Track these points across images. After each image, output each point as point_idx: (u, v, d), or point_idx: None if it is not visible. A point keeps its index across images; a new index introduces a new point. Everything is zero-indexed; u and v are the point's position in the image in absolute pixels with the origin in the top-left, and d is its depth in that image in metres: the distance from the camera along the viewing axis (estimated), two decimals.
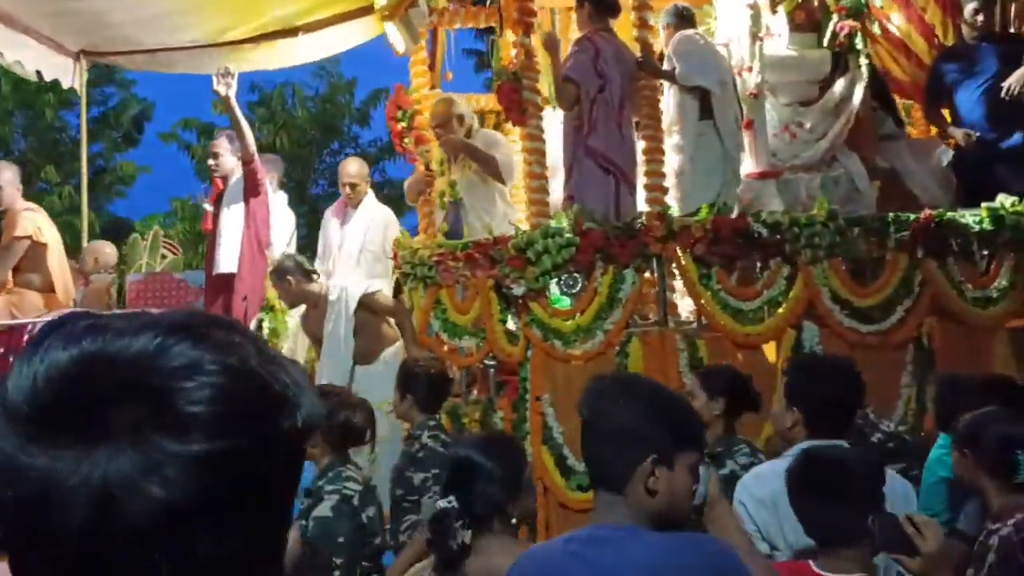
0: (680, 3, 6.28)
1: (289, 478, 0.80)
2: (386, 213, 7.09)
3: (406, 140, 6.77)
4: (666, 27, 6.24)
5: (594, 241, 5.52)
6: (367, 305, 6.40)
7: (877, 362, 5.20)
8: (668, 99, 6.18)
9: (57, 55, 8.31)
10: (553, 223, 5.59)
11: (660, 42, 6.31)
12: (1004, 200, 5.76)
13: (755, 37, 6.29)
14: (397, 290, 6.63)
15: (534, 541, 4.20)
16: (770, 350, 5.68)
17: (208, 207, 6.94)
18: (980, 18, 6.43)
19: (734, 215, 5.58)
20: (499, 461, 2.82)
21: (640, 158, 5.93)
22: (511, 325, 5.69)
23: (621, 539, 2.02)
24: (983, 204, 5.77)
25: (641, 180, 5.92)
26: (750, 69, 6.30)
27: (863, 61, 6.35)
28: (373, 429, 4.26)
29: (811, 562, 2.60)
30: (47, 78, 8.42)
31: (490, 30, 7.56)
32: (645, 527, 2.04)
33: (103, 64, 10.41)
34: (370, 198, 7.02)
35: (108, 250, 7.28)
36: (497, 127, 7.22)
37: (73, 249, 8.50)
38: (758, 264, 5.68)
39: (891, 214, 5.75)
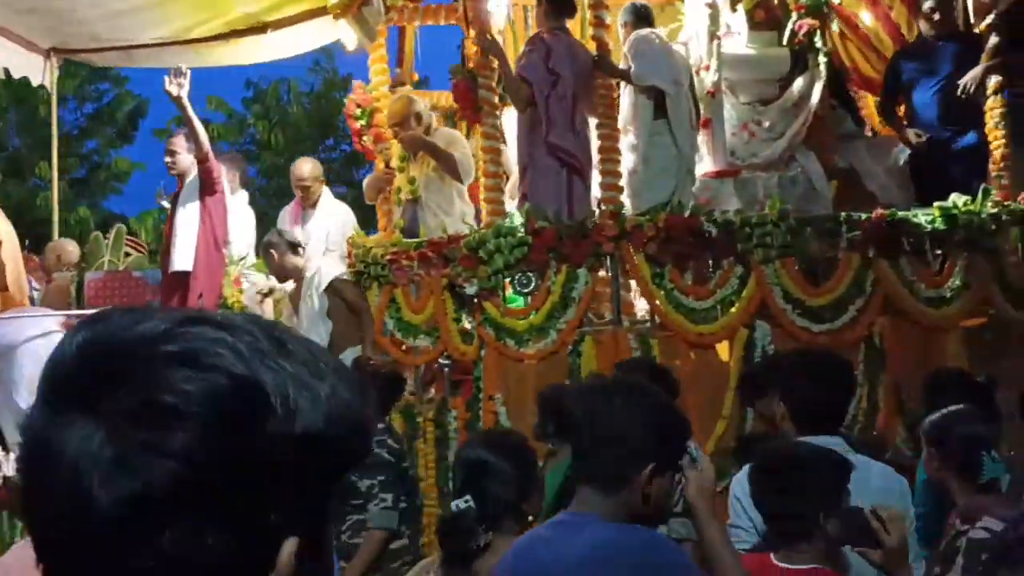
0: (638, 2, 6.27)
1: (279, 484, 0.77)
2: (345, 210, 7.10)
3: (365, 138, 6.77)
4: (623, 26, 6.23)
5: (547, 240, 5.52)
6: (337, 290, 6.38)
7: None
8: (624, 98, 6.17)
9: (28, 53, 8.30)
10: (506, 222, 5.60)
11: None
12: (957, 199, 5.75)
13: (713, 36, 6.29)
14: None
15: None
16: (723, 349, 5.69)
17: (167, 204, 6.93)
18: (936, 16, 6.40)
19: (688, 214, 5.59)
20: (511, 460, 2.84)
21: (596, 157, 5.93)
22: (467, 324, 5.70)
23: (579, 524, 2.18)
24: (936, 203, 5.76)
25: (596, 179, 5.93)
26: (708, 68, 6.30)
27: (822, 60, 6.34)
28: None
29: (771, 554, 2.65)
30: (15, 75, 8.41)
31: None
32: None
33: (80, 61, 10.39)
34: (326, 197, 7.03)
35: (70, 248, 7.28)
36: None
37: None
38: (711, 263, 5.68)
39: (843, 214, 5.75)
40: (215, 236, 6.32)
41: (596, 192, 5.99)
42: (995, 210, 5.80)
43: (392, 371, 5.12)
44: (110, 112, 22.36)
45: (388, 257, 5.76)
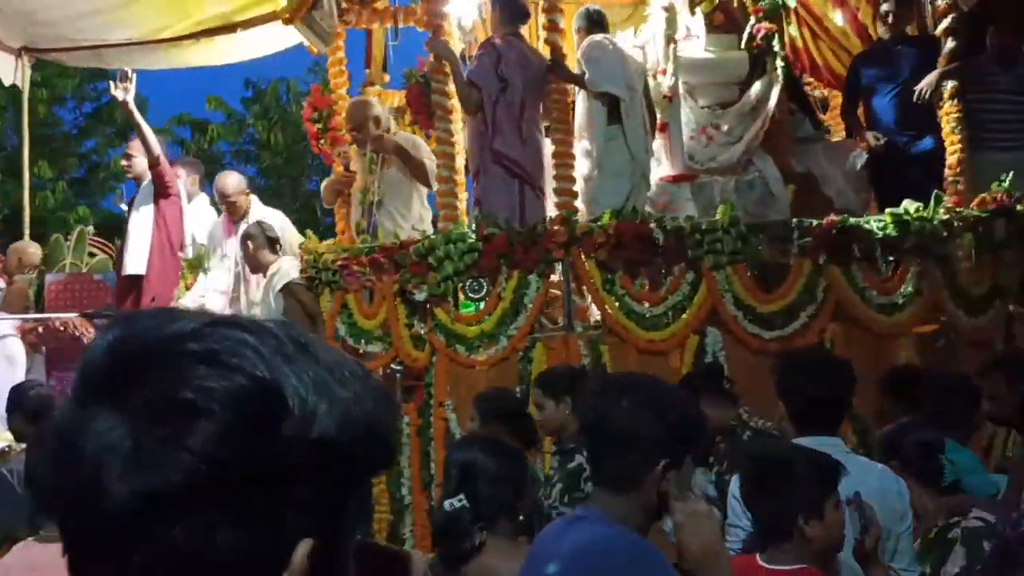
0: (591, 6, 6.25)
1: (295, 486, 0.78)
2: (280, 216, 7.06)
3: (322, 141, 6.75)
4: (577, 31, 6.22)
5: (497, 247, 5.51)
6: (293, 292, 6.38)
7: None
8: (578, 104, 6.16)
9: (0, 52, 8.30)
10: (456, 228, 5.59)
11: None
12: (909, 206, 5.73)
13: (670, 39, 6.27)
14: None
15: None
16: (675, 356, 5.67)
17: (125, 207, 6.92)
18: (890, 19, 6.38)
19: (641, 220, 5.57)
20: (502, 462, 2.86)
21: (549, 162, 5.91)
22: (420, 330, 5.69)
23: (585, 520, 2.26)
24: (887, 210, 5.75)
25: (551, 184, 5.91)
26: (665, 72, 6.28)
27: (779, 63, 6.31)
28: None
29: (757, 555, 2.68)
30: None
31: None
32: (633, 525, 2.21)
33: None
34: (256, 208, 6.96)
35: (32, 249, 7.28)
36: None
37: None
38: (662, 270, 5.67)
39: (795, 220, 5.74)
40: (169, 240, 6.31)
41: (551, 197, 5.98)
42: (947, 216, 5.79)
43: None
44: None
45: (339, 263, 5.76)
